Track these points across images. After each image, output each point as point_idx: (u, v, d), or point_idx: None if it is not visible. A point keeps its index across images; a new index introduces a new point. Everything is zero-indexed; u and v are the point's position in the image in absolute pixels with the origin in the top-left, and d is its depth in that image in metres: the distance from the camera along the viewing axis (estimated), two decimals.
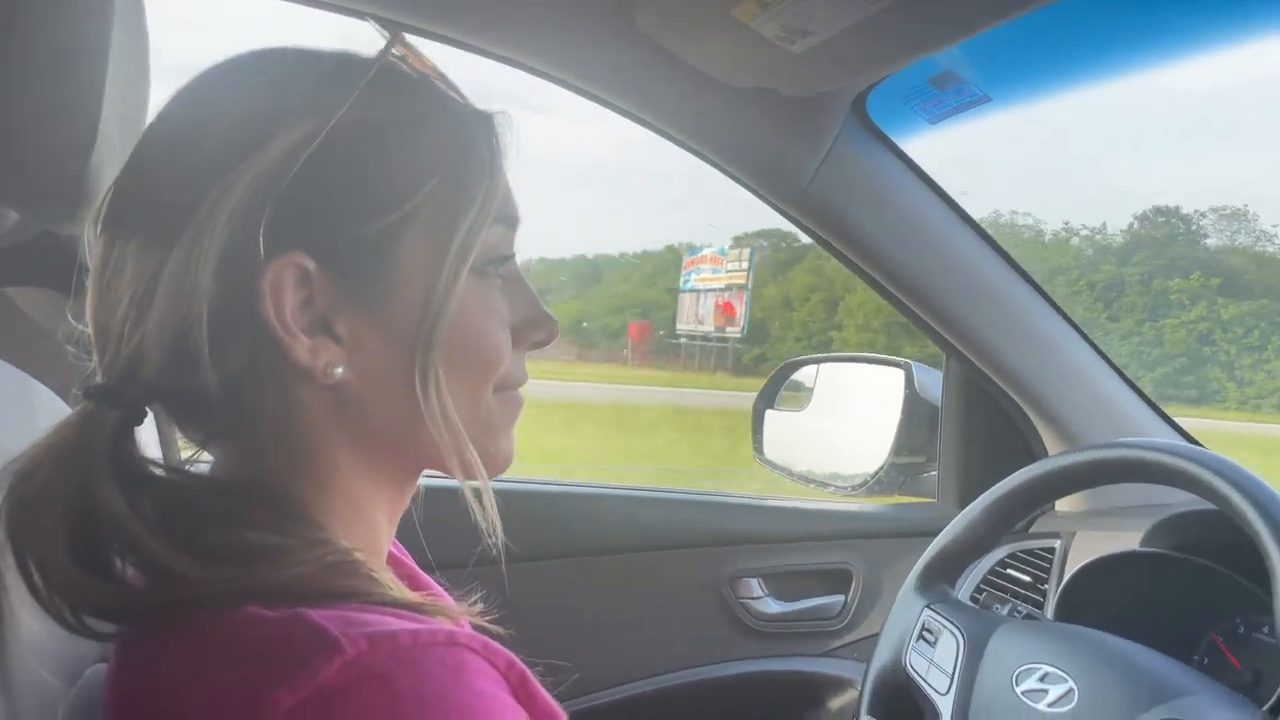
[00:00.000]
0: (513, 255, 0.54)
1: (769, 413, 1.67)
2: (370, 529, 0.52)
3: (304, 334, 0.47)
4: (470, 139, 0.51)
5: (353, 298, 0.48)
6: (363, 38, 0.52)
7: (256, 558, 0.43)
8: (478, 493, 0.52)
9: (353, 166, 0.47)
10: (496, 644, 0.44)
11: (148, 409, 0.48)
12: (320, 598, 0.42)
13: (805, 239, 1.16)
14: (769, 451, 1.63)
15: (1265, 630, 0.91)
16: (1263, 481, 0.75)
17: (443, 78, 0.54)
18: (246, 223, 0.45)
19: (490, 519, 0.52)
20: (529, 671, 0.44)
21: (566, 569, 1.27)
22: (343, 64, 0.50)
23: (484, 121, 0.52)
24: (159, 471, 0.47)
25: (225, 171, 0.45)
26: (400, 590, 0.47)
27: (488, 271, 0.52)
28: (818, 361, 1.69)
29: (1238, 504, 0.73)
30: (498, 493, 0.53)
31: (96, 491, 0.43)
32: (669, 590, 1.32)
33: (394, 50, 0.52)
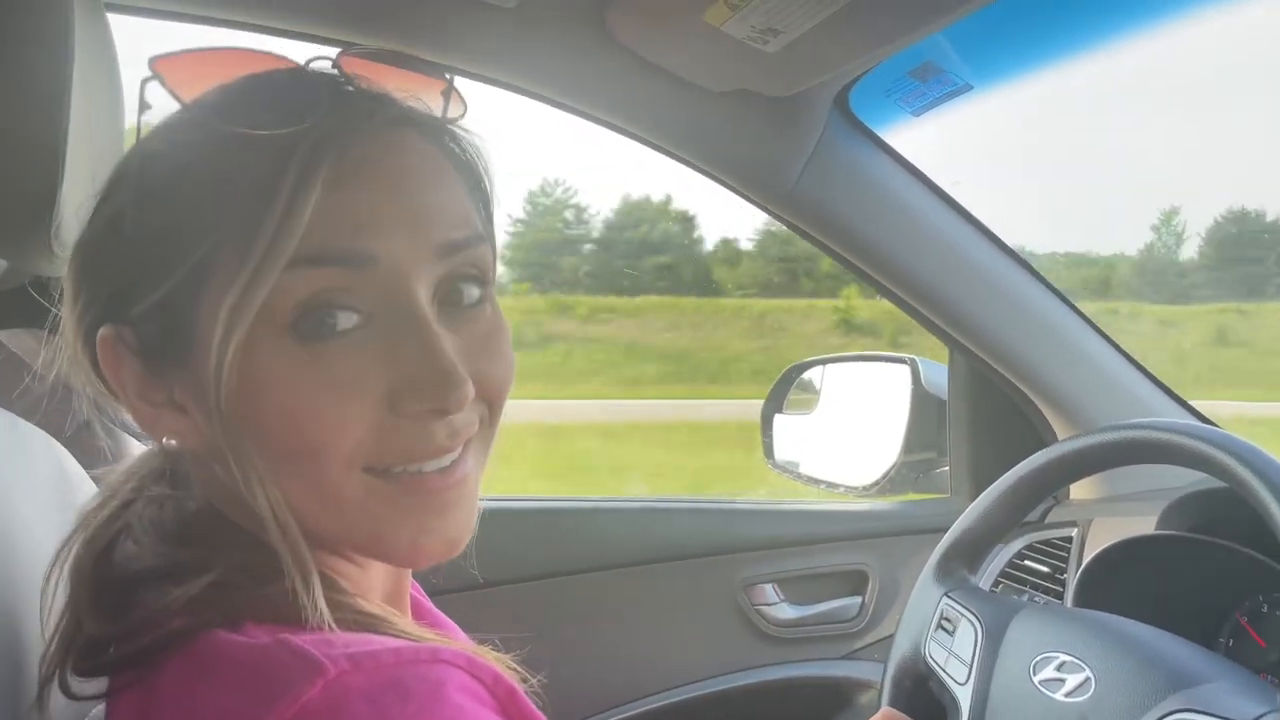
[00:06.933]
0: (349, 307, 0.43)
1: (777, 417, 1.66)
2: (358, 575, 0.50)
3: (145, 403, 0.46)
4: (262, 165, 0.41)
5: (173, 363, 0.45)
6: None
7: (223, 585, 0.43)
8: None
9: (147, 224, 0.44)
10: (482, 659, 0.43)
11: None
12: (287, 620, 0.42)
13: None
14: (779, 456, 1.62)
15: None
16: (1271, 457, 0.73)
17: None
18: (77, 300, 0.46)
19: None
20: (517, 687, 0.44)
21: (576, 585, 1.26)
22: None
23: (305, 138, 0.41)
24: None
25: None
26: (382, 609, 0.46)
27: (317, 330, 0.42)
28: (823, 363, 1.68)
29: (1246, 480, 0.72)
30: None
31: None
32: (681, 601, 1.30)
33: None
